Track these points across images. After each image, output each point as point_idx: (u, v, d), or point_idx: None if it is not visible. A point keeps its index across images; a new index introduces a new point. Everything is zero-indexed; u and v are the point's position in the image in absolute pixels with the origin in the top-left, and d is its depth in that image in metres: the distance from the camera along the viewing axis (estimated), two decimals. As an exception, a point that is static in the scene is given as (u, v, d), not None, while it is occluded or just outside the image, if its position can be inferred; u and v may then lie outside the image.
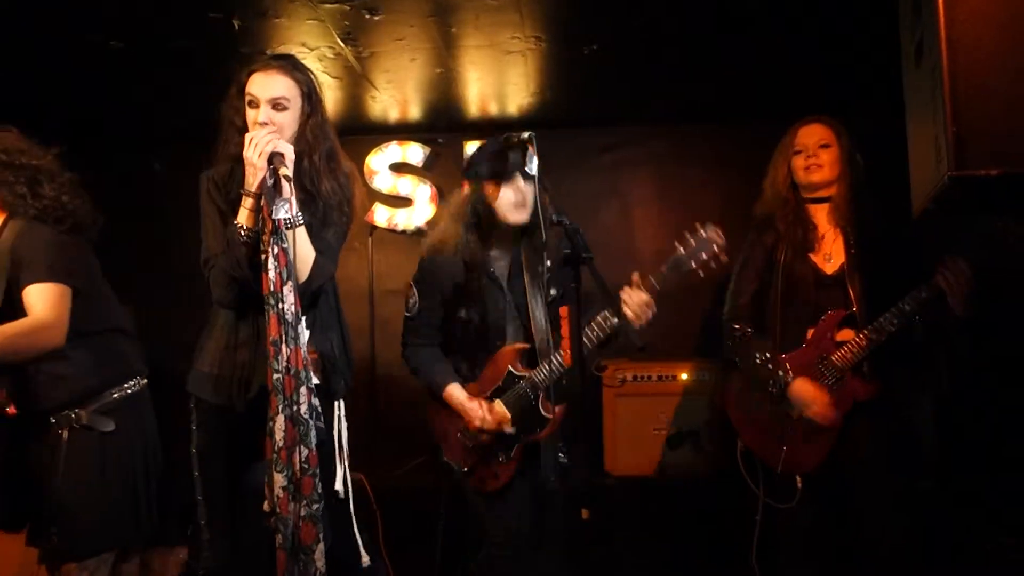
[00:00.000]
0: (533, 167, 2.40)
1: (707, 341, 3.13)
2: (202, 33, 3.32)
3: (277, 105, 2.38)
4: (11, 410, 2.52)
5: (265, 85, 2.39)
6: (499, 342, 2.89)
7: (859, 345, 2.78)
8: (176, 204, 3.11)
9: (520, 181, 2.77)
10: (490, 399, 2.85)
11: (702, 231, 2.65)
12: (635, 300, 2.63)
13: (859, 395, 2.79)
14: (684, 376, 3.91)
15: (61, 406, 2.54)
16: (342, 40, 3.45)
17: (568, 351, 2.59)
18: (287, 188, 2.21)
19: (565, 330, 2.54)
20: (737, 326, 3.03)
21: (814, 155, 2.92)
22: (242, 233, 2.32)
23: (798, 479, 2.83)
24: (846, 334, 2.83)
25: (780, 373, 2.87)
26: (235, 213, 2.36)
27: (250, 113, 2.41)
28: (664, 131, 4.59)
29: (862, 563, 2.78)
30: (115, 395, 2.62)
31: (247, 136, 2.30)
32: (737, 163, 4.34)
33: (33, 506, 2.55)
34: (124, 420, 2.62)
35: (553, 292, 2.83)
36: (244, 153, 2.28)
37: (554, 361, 2.77)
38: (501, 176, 2.78)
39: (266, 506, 2.31)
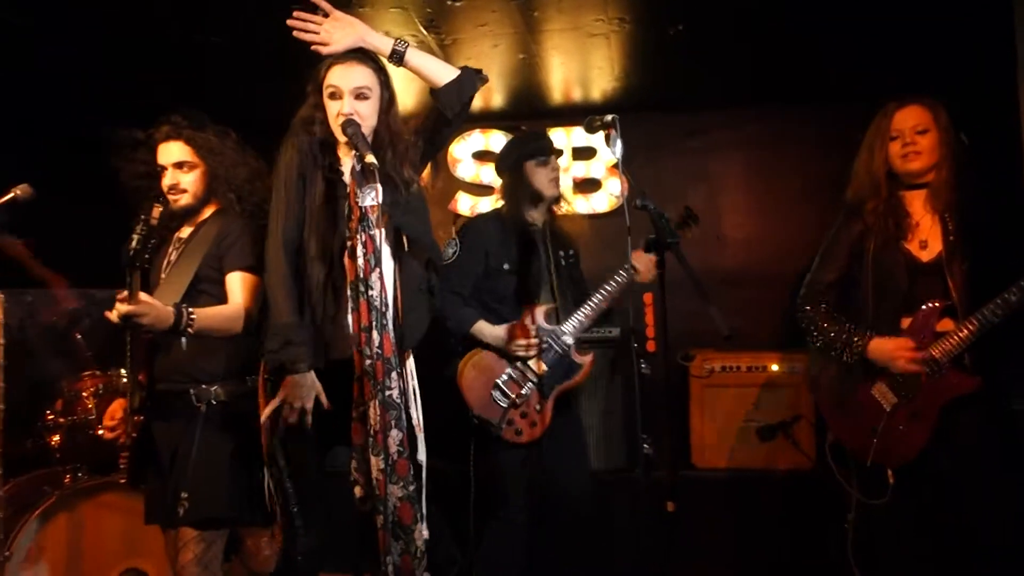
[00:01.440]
0: (617, 150, 2.36)
1: (797, 331, 3.02)
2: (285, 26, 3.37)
3: (360, 95, 2.41)
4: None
5: (347, 75, 2.42)
6: (536, 297, 3.16)
7: (960, 336, 2.65)
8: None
9: (554, 160, 3.17)
10: None
11: None
12: None
13: (960, 388, 2.67)
14: (774, 367, 3.84)
15: (206, 378, 2.65)
16: (424, 28, 3.46)
17: (652, 338, 2.57)
18: (373, 174, 2.22)
19: (649, 317, 2.52)
20: (809, 307, 2.94)
21: (912, 142, 2.78)
22: None
23: (890, 473, 2.73)
24: (946, 324, 2.71)
25: (855, 339, 2.79)
26: (319, 180, 2.45)
27: (332, 105, 2.43)
28: (751, 114, 4.47)
29: (966, 561, 2.66)
30: (249, 383, 2.69)
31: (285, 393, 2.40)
32: (827, 146, 4.21)
33: (156, 472, 2.67)
34: (253, 407, 2.69)
35: (572, 251, 3.28)
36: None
37: (580, 315, 3.08)
38: (537, 155, 3.15)
39: (358, 491, 2.34)
